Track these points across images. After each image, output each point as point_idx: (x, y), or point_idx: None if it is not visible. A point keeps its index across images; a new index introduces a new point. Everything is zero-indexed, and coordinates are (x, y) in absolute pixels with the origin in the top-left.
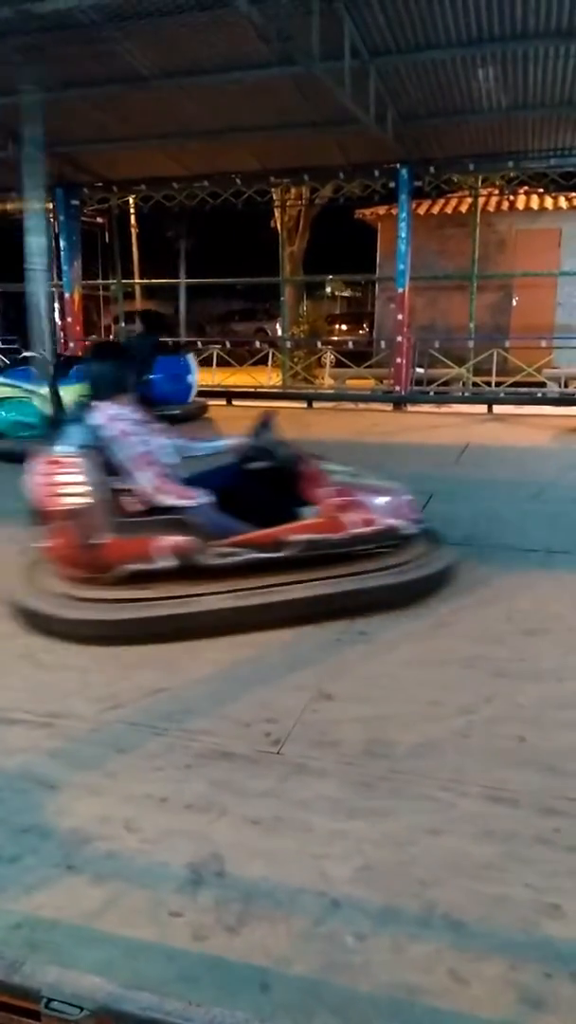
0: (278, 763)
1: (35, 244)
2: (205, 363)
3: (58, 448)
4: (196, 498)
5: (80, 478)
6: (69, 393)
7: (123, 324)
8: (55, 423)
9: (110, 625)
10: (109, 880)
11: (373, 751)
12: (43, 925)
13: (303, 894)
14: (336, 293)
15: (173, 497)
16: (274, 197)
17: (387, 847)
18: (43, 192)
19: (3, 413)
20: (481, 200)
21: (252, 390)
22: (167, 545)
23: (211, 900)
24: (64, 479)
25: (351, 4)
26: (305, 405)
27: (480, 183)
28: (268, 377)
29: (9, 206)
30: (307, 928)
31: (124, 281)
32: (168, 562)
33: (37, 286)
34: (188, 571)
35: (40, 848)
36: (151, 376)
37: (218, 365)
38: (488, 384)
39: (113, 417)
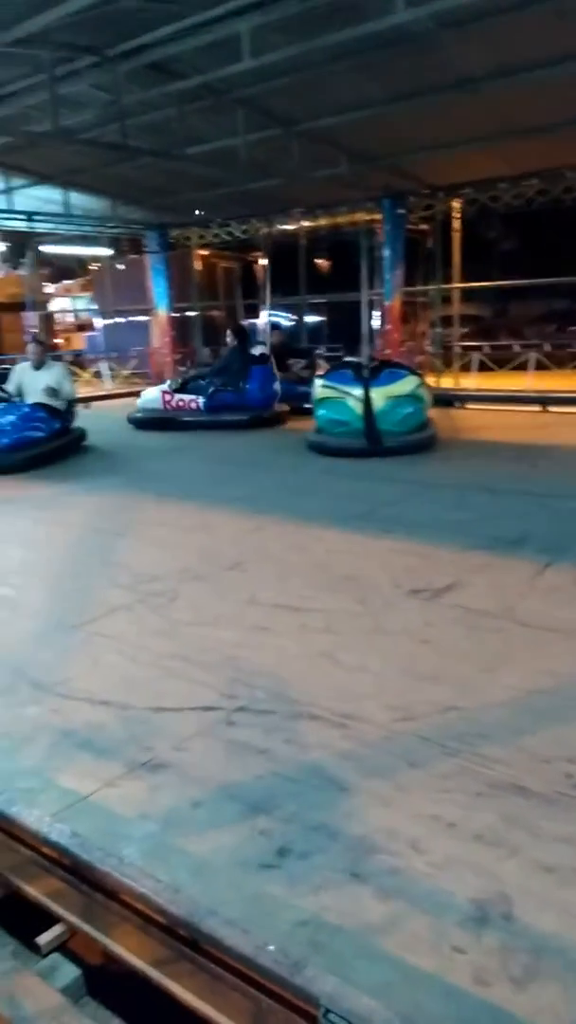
0: None
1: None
2: (520, 368)
3: None
4: None
5: None
6: (378, 395)
7: (439, 329)
8: (367, 421)
9: None
10: (393, 897)
11: None
12: (327, 928)
13: None
14: None
15: None
16: None
17: None
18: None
19: (324, 412)
20: None
21: (571, 395)
22: None
23: (496, 944)
24: None
25: None
26: None
27: None
28: None
29: (339, 220)
30: None
31: (443, 286)
32: None
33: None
34: None
35: (328, 848)
36: (248, 385)
37: (536, 369)
38: None
39: None
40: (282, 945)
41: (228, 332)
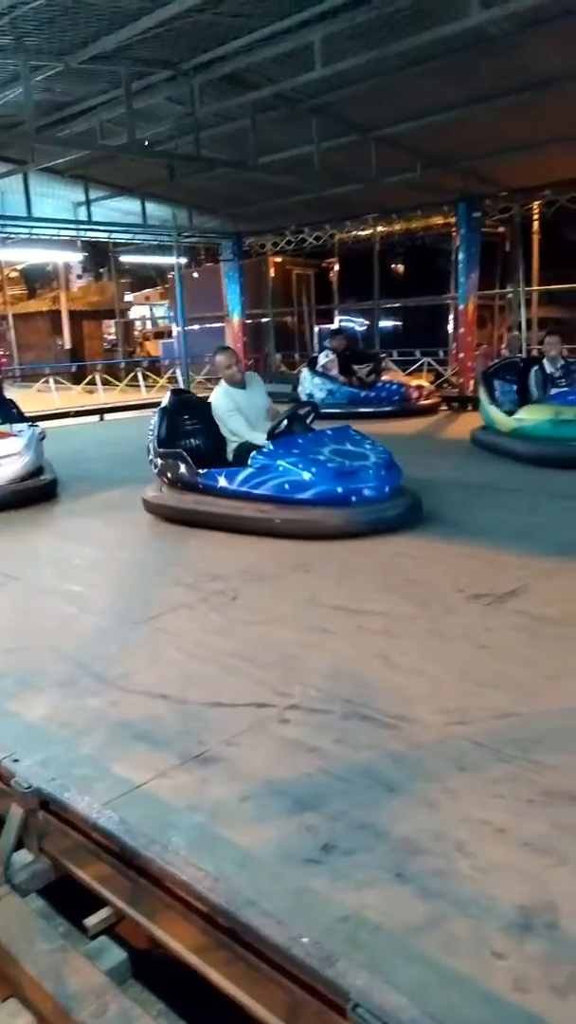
0: None
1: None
2: None
3: None
4: None
5: None
6: None
7: (517, 332)
8: None
9: None
10: (435, 899)
11: None
12: (367, 926)
13: None
14: None
15: None
16: None
17: None
18: None
19: None
20: None
21: None
22: None
23: (539, 952)
24: None
25: None
26: None
27: None
28: None
29: (414, 224)
30: None
31: (521, 289)
32: None
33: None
34: None
35: (374, 847)
36: None
37: None
38: None
39: None
40: (321, 940)
41: None
